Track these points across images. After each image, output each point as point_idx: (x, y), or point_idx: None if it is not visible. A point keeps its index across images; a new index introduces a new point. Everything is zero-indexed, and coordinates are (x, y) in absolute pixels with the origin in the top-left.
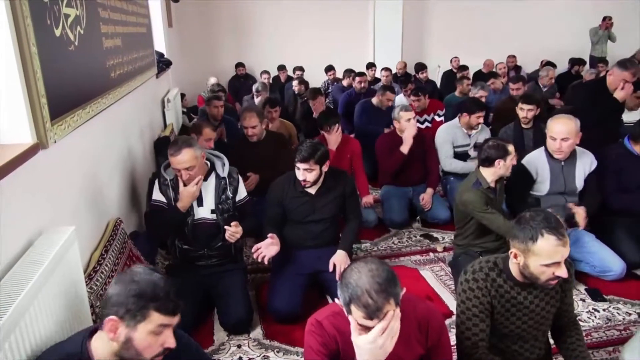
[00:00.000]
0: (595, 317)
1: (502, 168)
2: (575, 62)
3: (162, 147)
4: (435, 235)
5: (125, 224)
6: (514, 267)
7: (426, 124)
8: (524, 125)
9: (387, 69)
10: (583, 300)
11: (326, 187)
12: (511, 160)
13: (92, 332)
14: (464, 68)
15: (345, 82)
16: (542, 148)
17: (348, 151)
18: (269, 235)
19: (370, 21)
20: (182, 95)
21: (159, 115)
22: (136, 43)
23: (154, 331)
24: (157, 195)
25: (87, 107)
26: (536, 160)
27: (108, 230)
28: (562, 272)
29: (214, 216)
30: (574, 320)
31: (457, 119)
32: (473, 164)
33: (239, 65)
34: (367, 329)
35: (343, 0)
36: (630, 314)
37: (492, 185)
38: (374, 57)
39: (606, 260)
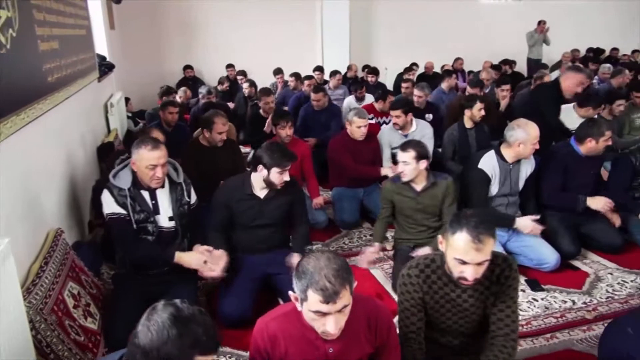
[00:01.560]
0: (535, 306)
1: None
2: (505, 62)
3: (106, 153)
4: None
5: (67, 234)
6: (448, 260)
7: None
8: (467, 126)
9: (337, 72)
10: (523, 290)
11: (275, 192)
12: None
13: None
14: (409, 70)
15: (291, 85)
16: (493, 151)
17: (298, 153)
18: (213, 250)
19: (318, 23)
20: (127, 100)
21: (102, 120)
22: (75, 46)
23: None
24: (113, 207)
25: (22, 113)
26: (490, 163)
27: (48, 241)
28: (469, 274)
29: (172, 223)
30: (504, 333)
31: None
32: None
33: (187, 67)
34: (322, 316)
35: (291, 1)
36: (565, 302)
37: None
38: (323, 60)
39: (542, 253)
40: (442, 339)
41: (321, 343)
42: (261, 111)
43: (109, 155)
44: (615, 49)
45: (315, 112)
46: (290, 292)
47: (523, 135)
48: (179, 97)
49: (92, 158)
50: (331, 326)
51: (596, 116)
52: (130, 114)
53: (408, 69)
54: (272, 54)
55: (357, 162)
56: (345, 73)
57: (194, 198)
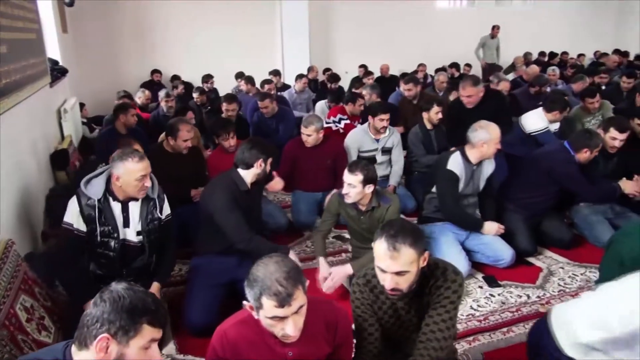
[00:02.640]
0: (492, 301)
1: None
2: (451, 65)
3: (60, 161)
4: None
5: (19, 245)
6: None
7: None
8: (429, 128)
9: (302, 76)
10: (480, 287)
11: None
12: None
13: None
14: (369, 73)
15: (244, 89)
16: (459, 152)
17: None
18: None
19: (277, 25)
20: (82, 105)
21: (55, 126)
22: (25, 50)
23: (145, 346)
24: (73, 218)
25: None
26: (458, 164)
27: None
28: (387, 283)
29: (139, 238)
30: (426, 339)
31: (367, 123)
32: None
33: (155, 71)
34: (280, 320)
35: (251, 1)
36: (521, 296)
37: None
38: (283, 62)
39: (498, 250)
40: (393, 350)
41: (280, 348)
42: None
43: (63, 162)
44: (565, 53)
45: (267, 119)
46: (244, 302)
47: (486, 136)
48: (138, 98)
49: (45, 166)
50: (290, 329)
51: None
52: (85, 120)
53: (367, 73)
54: (232, 57)
55: (305, 169)
56: (307, 75)
57: (165, 213)
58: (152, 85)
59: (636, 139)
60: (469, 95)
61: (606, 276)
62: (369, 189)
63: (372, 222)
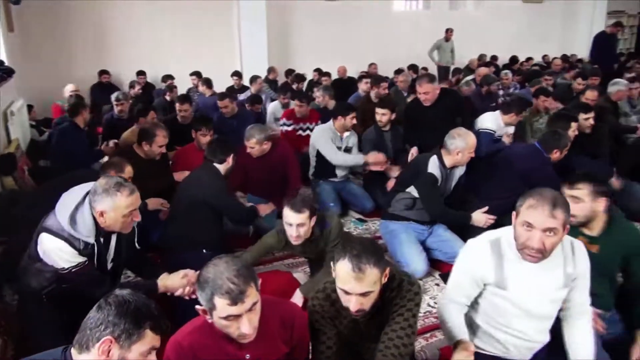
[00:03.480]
0: None
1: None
2: (410, 67)
3: (6, 165)
4: None
5: None
6: None
7: (307, 131)
8: (383, 128)
9: (257, 77)
10: (437, 284)
11: None
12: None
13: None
14: (326, 74)
15: (201, 90)
16: (435, 156)
17: None
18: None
19: (235, 27)
20: (30, 107)
21: (1, 130)
22: None
23: (145, 352)
24: (75, 259)
25: None
26: (436, 168)
27: None
28: (352, 305)
29: (111, 265)
30: (384, 346)
31: (330, 122)
32: (360, 156)
33: (103, 72)
34: (235, 319)
35: (206, 1)
36: None
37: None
38: (241, 63)
39: (456, 247)
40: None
41: (237, 351)
42: (178, 118)
43: (10, 167)
44: (514, 56)
45: (227, 119)
46: (197, 307)
47: (462, 144)
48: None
49: None
50: (246, 327)
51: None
52: (34, 123)
53: (324, 74)
54: (189, 58)
55: (255, 178)
56: (267, 76)
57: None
58: (102, 86)
59: (581, 136)
60: (426, 92)
61: None
62: (314, 220)
63: (318, 250)
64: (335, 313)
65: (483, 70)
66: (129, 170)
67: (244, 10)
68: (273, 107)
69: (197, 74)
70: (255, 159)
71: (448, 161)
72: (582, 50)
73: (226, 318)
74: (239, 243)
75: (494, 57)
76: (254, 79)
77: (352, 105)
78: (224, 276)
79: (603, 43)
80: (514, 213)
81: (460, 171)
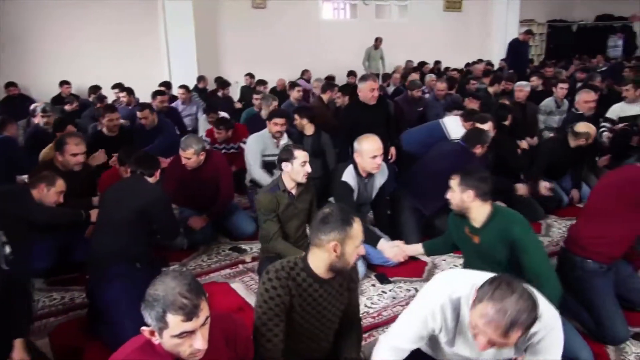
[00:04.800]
0: (384, 297)
1: (291, 171)
2: (350, 73)
3: None
4: (243, 247)
5: None
6: (320, 262)
7: (232, 150)
8: (307, 133)
9: (183, 87)
10: (373, 285)
11: None
12: (300, 164)
13: None
14: (262, 82)
15: (124, 101)
16: (351, 165)
17: None
18: None
19: (162, 36)
20: None
21: None
22: None
23: None
24: None
25: None
26: (350, 177)
27: None
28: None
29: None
30: (358, 321)
31: (266, 129)
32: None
33: (10, 84)
34: (188, 336)
35: (131, 10)
36: (409, 290)
37: (292, 190)
38: (170, 74)
39: None
40: (295, 345)
41: None
42: (104, 129)
43: None
44: (438, 62)
45: (146, 131)
46: (143, 328)
47: (357, 147)
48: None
49: None
50: (200, 342)
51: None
52: None
53: (260, 82)
54: (113, 68)
55: (188, 192)
56: (196, 85)
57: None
58: (11, 100)
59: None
60: (373, 88)
61: None
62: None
63: (304, 205)
64: (295, 291)
65: (412, 77)
66: (60, 184)
67: (171, 19)
68: (204, 121)
69: (119, 86)
70: (189, 171)
71: (360, 168)
72: (499, 56)
73: (179, 336)
74: (174, 257)
75: (422, 63)
76: (181, 88)
77: (283, 111)
78: (176, 292)
79: (516, 49)
80: (472, 295)
81: (380, 178)
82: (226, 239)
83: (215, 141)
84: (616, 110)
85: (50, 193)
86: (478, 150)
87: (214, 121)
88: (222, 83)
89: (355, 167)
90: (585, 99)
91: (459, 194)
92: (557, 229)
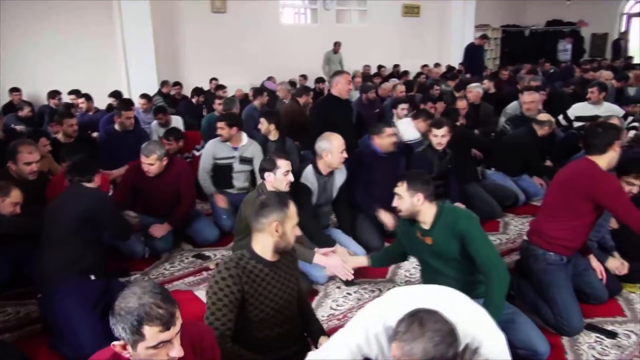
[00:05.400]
0: (349, 299)
1: (274, 181)
2: (318, 80)
3: None
4: (207, 253)
5: None
6: (265, 246)
7: (188, 159)
8: (272, 138)
9: (145, 95)
10: (339, 287)
11: None
12: (283, 173)
13: None
14: (221, 87)
15: (83, 108)
16: (310, 165)
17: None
18: None
19: (119, 42)
20: None
21: None
22: None
23: None
24: None
25: None
26: (309, 177)
27: None
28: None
29: None
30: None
31: None
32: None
33: None
34: (164, 346)
35: (84, 12)
36: (374, 291)
37: None
38: (128, 80)
39: (352, 249)
40: (259, 334)
41: None
42: (60, 136)
43: None
44: (397, 65)
45: (120, 134)
46: (113, 344)
47: (327, 146)
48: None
49: None
50: (176, 350)
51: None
52: None
53: (220, 87)
54: (68, 74)
55: (149, 199)
56: (161, 89)
57: None
58: None
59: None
60: (349, 81)
61: None
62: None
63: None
64: (247, 278)
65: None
66: (15, 195)
67: (128, 24)
68: (154, 127)
69: (76, 92)
70: (150, 177)
71: (322, 167)
72: (456, 59)
73: (156, 347)
74: (135, 266)
75: (380, 67)
76: (143, 97)
77: (226, 114)
78: (150, 302)
79: (472, 53)
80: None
81: (340, 177)
82: (189, 246)
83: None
84: (578, 109)
85: (5, 204)
86: (377, 141)
87: (165, 134)
88: (198, 91)
89: (315, 167)
90: (528, 100)
91: (408, 199)
92: (514, 226)
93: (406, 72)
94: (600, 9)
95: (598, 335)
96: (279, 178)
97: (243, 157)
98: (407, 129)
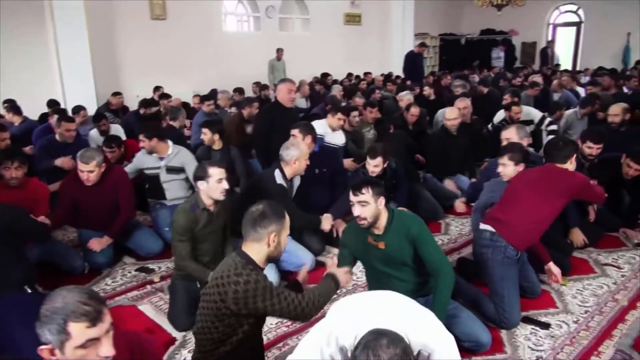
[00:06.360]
0: None
1: (207, 189)
2: (262, 87)
3: None
4: (151, 266)
5: None
6: (259, 255)
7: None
8: (215, 148)
9: (81, 108)
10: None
11: None
12: (216, 182)
13: None
14: (166, 96)
15: (8, 118)
16: (277, 169)
17: (29, 196)
18: None
19: (52, 52)
20: None
21: None
22: None
23: None
24: None
25: None
26: (280, 180)
27: None
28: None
29: None
30: None
31: None
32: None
33: None
34: (93, 344)
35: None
36: None
37: (210, 207)
38: (63, 91)
39: (300, 256)
40: None
41: None
42: None
43: None
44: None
45: (60, 145)
46: (40, 349)
47: (297, 153)
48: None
49: None
50: (107, 348)
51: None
52: None
53: (167, 96)
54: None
55: (87, 210)
56: (108, 102)
57: None
58: None
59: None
60: (291, 90)
61: None
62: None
63: (225, 218)
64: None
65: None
66: None
67: (62, 32)
68: (94, 135)
69: (10, 102)
70: (87, 188)
71: (288, 172)
72: (398, 66)
73: (83, 346)
74: (74, 282)
75: (325, 75)
76: (77, 109)
77: (150, 126)
78: (75, 300)
79: (412, 61)
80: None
81: (297, 182)
82: (132, 259)
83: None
84: (499, 116)
85: None
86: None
87: (105, 141)
88: (146, 102)
89: (282, 171)
90: (461, 106)
91: (374, 204)
92: (454, 227)
93: (336, 81)
94: (528, 19)
95: (533, 327)
96: (212, 186)
97: (170, 167)
98: (319, 128)
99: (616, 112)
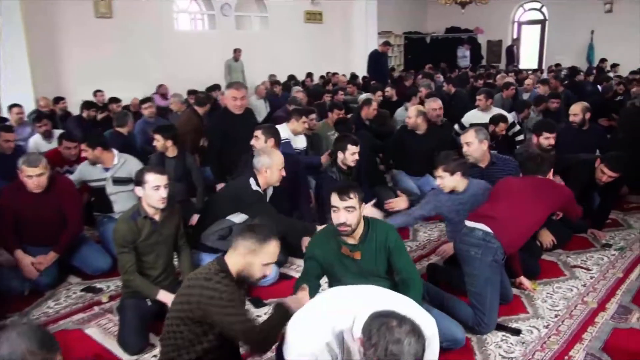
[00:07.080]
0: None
1: (144, 196)
2: (214, 88)
3: None
4: (98, 286)
5: None
6: (233, 265)
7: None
8: (169, 155)
9: (15, 105)
10: (248, 310)
11: None
12: (152, 188)
13: None
14: (116, 100)
15: None
16: (251, 178)
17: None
18: None
19: None
20: None
21: None
22: None
23: None
24: None
25: None
26: (255, 187)
27: None
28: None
29: None
30: None
31: None
32: None
33: None
34: None
35: None
36: None
37: (154, 216)
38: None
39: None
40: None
41: None
42: None
43: None
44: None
45: (7, 156)
46: None
47: (268, 161)
48: None
49: None
50: None
51: None
52: None
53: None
54: None
55: (30, 221)
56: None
57: None
58: None
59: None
60: (235, 97)
61: None
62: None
63: (171, 230)
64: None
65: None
66: None
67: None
68: (35, 142)
69: None
70: (30, 199)
71: (262, 181)
72: (361, 66)
73: None
74: (13, 306)
75: (291, 77)
76: (12, 106)
77: (93, 136)
78: (23, 350)
79: (376, 60)
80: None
81: (270, 192)
82: (77, 278)
83: (63, 162)
84: (469, 117)
85: None
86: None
87: (63, 135)
88: (88, 104)
89: (255, 180)
90: (434, 106)
91: (358, 211)
92: (423, 232)
93: (297, 82)
94: (493, 17)
95: (504, 333)
96: (148, 193)
97: (117, 178)
98: (282, 131)
99: (576, 111)
